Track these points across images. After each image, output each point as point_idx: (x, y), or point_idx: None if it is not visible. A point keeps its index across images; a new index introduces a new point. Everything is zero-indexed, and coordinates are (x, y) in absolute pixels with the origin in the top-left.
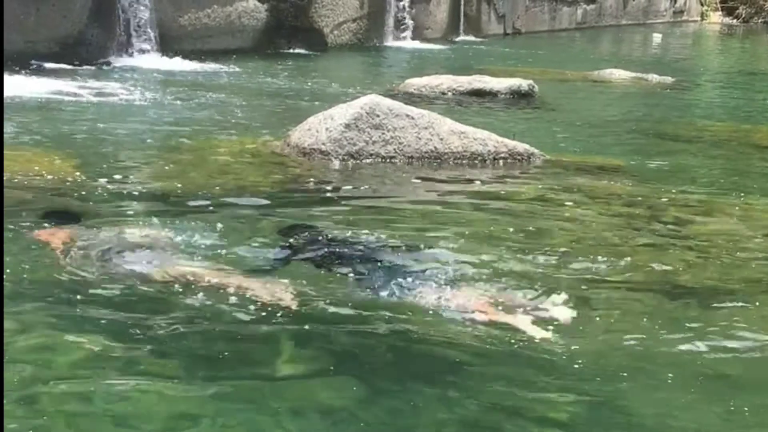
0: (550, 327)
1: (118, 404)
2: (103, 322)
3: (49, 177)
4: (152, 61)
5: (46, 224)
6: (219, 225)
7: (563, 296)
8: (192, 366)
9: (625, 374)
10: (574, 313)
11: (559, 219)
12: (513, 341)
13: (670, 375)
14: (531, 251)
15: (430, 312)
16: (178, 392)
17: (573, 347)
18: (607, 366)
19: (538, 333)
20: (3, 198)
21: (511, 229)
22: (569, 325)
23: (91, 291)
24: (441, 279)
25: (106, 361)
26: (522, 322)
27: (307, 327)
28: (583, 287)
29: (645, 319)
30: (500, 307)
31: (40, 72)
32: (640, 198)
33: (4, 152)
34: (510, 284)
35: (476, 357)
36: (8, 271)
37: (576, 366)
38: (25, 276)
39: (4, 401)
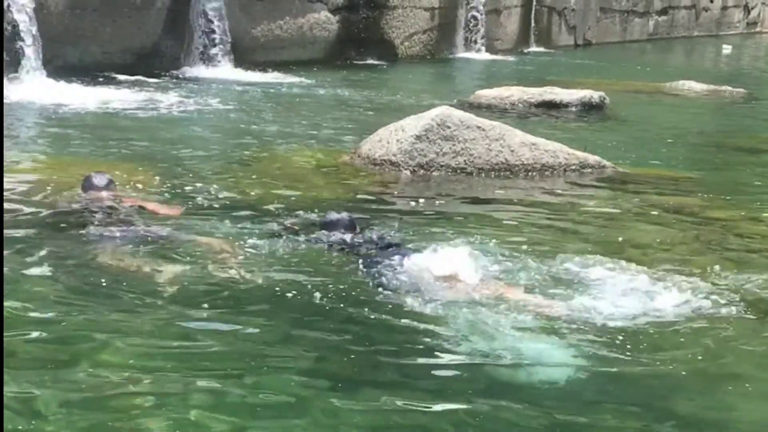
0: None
1: None
2: None
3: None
4: (225, 72)
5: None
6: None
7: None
8: None
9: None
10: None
11: (633, 230)
12: None
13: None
14: (601, 263)
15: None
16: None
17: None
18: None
19: None
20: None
21: (584, 242)
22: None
23: None
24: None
25: None
26: None
27: None
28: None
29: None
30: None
31: (116, 83)
32: (714, 212)
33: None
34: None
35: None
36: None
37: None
38: None
39: None
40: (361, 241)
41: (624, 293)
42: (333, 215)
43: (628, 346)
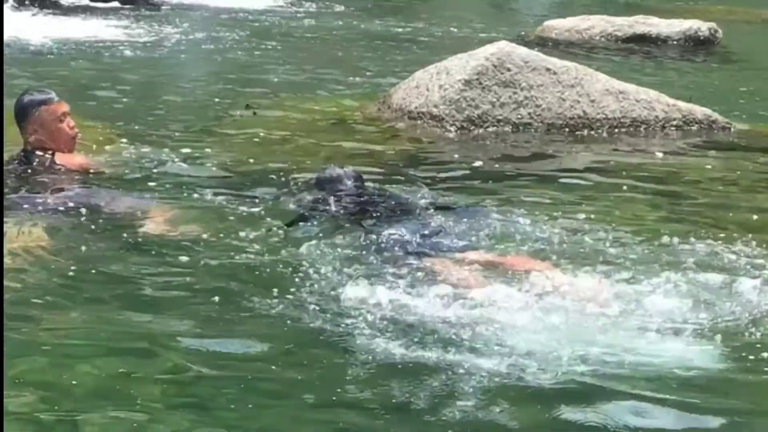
0: None
1: None
2: None
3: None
4: None
5: None
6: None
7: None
8: None
9: None
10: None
11: (754, 206)
12: None
13: None
14: (718, 253)
15: None
16: None
17: None
18: None
19: None
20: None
21: (690, 223)
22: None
23: None
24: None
25: None
26: None
27: None
28: None
29: None
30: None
31: (81, 11)
32: None
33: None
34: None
35: None
36: None
37: None
38: None
39: None
40: (368, 206)
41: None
42: (335, 170)
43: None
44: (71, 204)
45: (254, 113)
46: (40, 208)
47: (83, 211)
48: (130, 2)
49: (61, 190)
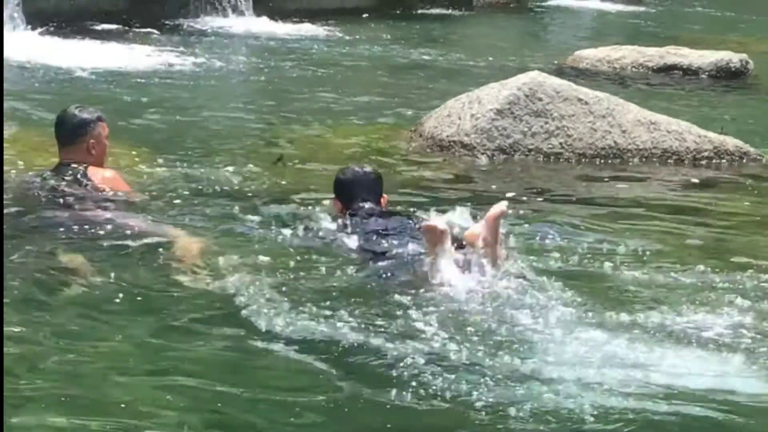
0: None
1: None
2: None
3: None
4: (245, 23)
5: None
6: None
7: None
8: None
9: None
10: None
11: None
12: None
13: None
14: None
15: None
16: None
17: None
18: None
19: None
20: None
21: (718, 259)
22: None
23: None
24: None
25: None
26: None
27: None
28: None
29: None
30: None
31: (104, 36)
32: None
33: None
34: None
35: None
36: None
37: None
38: None
39: None
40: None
41: None
42: (356, 170)
43: None
44: (99, 221)
45: (283, 164)
46: (71, 223)
47: (108, 227)
48: (153, 26)
49: (92, 205)
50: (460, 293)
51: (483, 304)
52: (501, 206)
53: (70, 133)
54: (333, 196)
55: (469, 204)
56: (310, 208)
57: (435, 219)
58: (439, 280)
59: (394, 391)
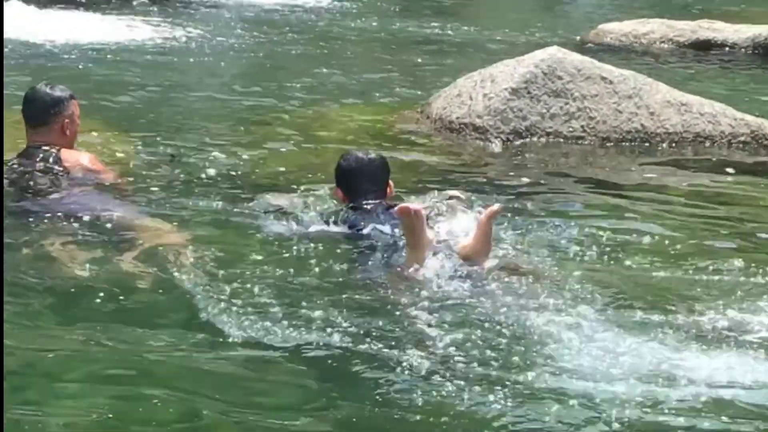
0: None
1: None
2: None
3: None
4: None
5: None
6: None
7: None
8: None
9: None
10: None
11: None
12: None
13: None
14: None
15: None
16: None
17: None
18: None
19: None
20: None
21: (759, 254)
22: None
23: None
24: None
25: None
26: None
27: None
28: None
29: None
30: None
31: (88, 6)
32: None
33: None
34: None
35: None
36: None
37: None
38: None
39: None
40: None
41: None
42: (360, 156)
43: None
44: (75, 211)
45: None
46: (45, 213)
47: (85, 219)
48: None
49: (66, 193)
50: (448, 292)
51: (479, 303)
52: (494, 208)
53: (42, 112)
54: (334, 184)
55: (483, 193)
56: (304, 197)
57: (411, 202)
58: (422, 278)
59: (380, 395)
